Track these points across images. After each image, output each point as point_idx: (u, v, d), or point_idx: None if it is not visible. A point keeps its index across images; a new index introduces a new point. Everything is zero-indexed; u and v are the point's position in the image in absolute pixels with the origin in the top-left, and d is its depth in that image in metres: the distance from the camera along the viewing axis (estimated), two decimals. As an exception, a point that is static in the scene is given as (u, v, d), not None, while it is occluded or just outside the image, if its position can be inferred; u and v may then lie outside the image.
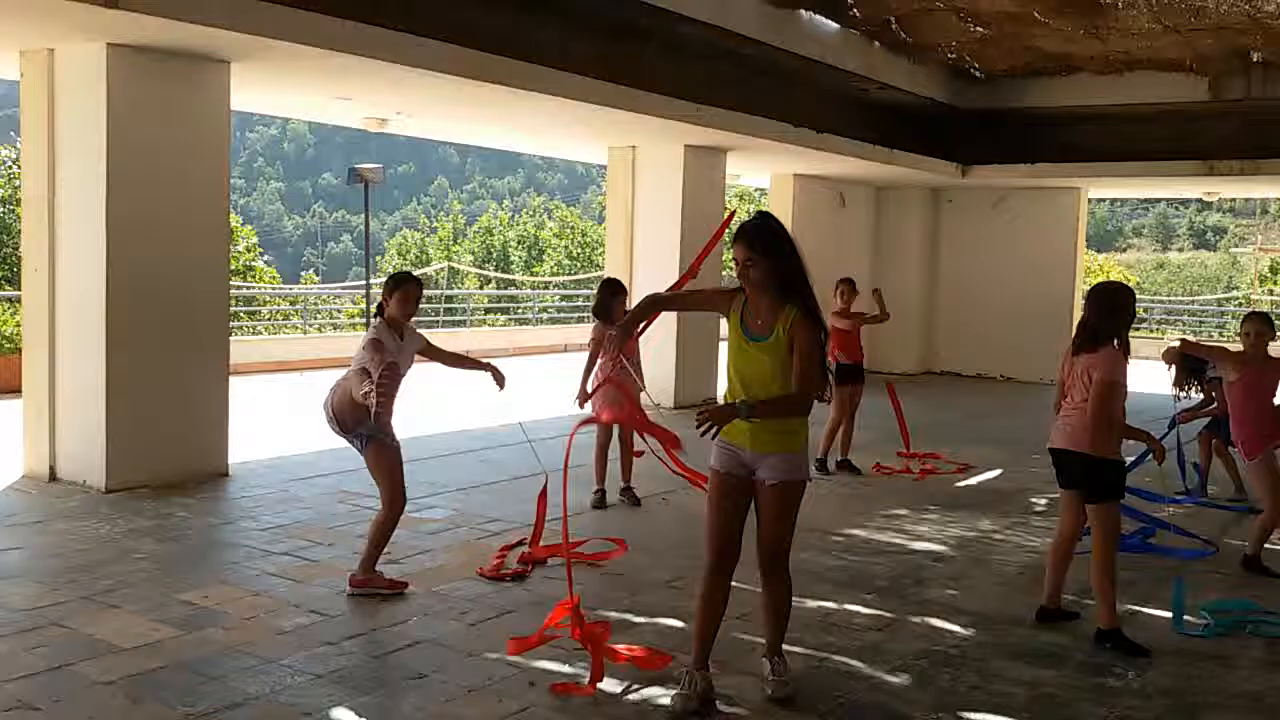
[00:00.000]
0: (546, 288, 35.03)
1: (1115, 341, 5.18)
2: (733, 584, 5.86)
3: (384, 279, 5.83)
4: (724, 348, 4.58)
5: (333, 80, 9.10)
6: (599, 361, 7.35)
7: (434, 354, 5.72)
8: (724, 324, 4.49)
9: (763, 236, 4.21)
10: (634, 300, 7.79)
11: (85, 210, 7.63)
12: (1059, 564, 5.48)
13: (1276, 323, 6.89)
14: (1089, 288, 5.61)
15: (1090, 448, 5.13)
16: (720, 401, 4.36)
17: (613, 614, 5.34)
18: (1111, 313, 5.23)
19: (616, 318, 7.23)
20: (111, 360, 7.57)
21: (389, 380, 5.12)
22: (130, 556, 6.08)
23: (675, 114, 10.85)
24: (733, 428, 4.23)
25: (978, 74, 14.65)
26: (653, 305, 4.50)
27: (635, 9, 9.63)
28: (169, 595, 5.44)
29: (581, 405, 7.37)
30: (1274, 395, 6.47)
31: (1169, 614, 5.55)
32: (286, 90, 9.89)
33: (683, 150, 12.76)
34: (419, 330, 5.72)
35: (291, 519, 7.06)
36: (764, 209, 4.44)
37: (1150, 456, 5.51)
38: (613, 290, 7.52)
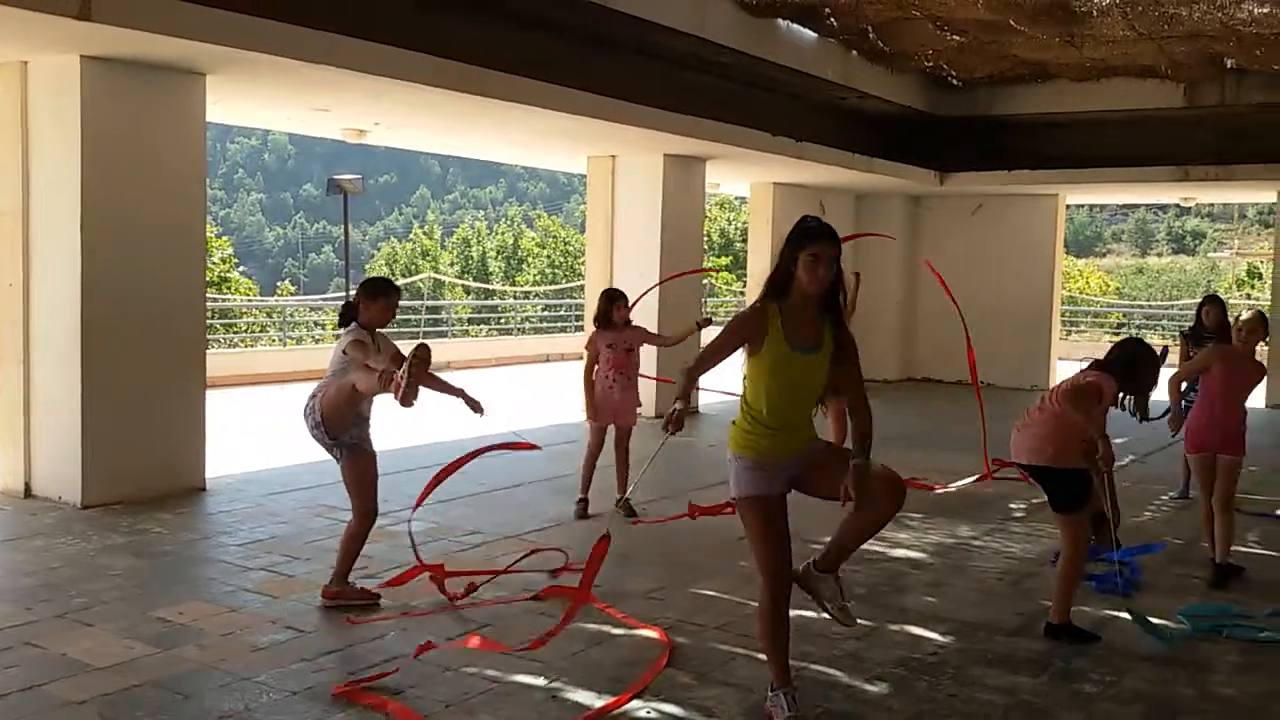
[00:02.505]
0: (528, 297, 35.00)
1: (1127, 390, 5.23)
2: (713, 595, 5.92)
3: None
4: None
5: (310, 92, 9.08)
6: (597, 370, 7.60)
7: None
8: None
9: (836, 236, 4.09)
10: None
11: (59, 224, 7.58)
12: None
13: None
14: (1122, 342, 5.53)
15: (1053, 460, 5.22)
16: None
17: (591, 625, 5.33)
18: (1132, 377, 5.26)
19: (617, 321, 7.54)
20: (87, 375, 7.52)
21: (420, 361, 4.92)
22: (105, 574, 6.03)
23: (653, 123, 10.86)
24: (792, 440, 4.13)
25: (955, 82, 14.72)
26: (699, 370, 4.19)
27: (613, 19, 9.64)
28: (144, 613, 5.39)
29: (591, 420, 7.68)
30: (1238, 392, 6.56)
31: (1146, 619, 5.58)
32: (264, 102, 9.86)
33: (662, 159, 12.77)
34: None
35: (269, 534, 7.02)
36: (812, 214, 4.27)
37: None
38: (610, 298, 7.62)
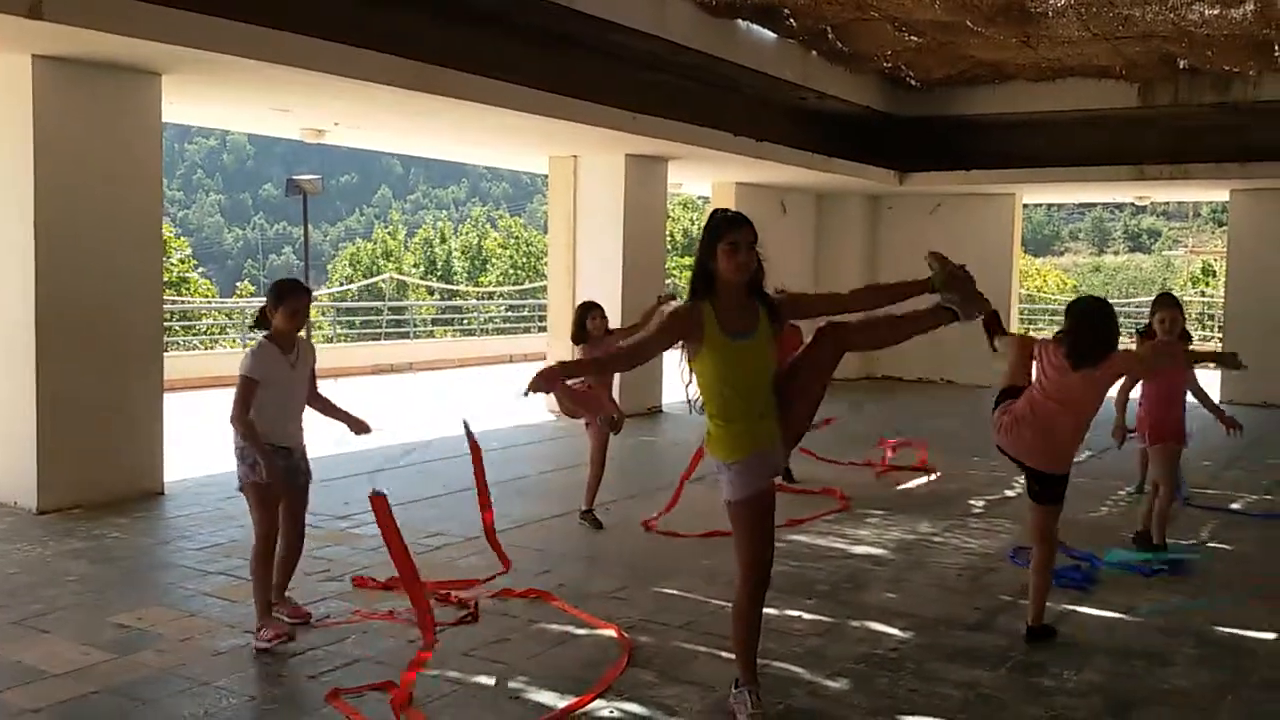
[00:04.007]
0: (491, 298, 34.91)
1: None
2: (675, 594, 5.94)
3: (301, 289, 5.21)
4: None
5: (268, 92, 9.00)
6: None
7: (311, 393, 5.37)
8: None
9: (750, 223, 4.06)
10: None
11: (12, 226, 7.47)
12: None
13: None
14: (1072, 304, 5.40)
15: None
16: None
17: (553, 625, 5.33)
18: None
19: (591, 336, 7.27)
20: (42, 378, 7.42)
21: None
22: (62, 579, 5.96)
23: (613, 123, 10.86)
24: (767, 426, 4.09)
25: (914, 82, 14.84)
26: (604, 368, 4.19)
27: (574, 19, 9.64)
28: (101, 618, 5.34)
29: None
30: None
31: (1104, 614, 5.67)
32: (221, 102, 9.77)
33: (624, 159, 12.78)
34: (313, 344, 5.44)
35: (227, 537, 6.95)
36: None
37: None
38: (584, 311, 7.46)
